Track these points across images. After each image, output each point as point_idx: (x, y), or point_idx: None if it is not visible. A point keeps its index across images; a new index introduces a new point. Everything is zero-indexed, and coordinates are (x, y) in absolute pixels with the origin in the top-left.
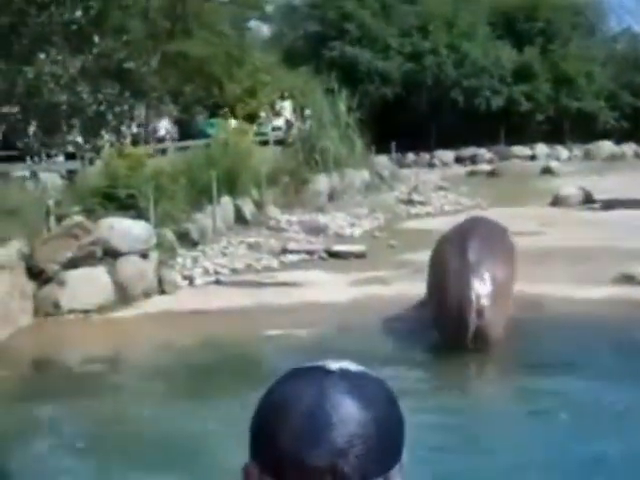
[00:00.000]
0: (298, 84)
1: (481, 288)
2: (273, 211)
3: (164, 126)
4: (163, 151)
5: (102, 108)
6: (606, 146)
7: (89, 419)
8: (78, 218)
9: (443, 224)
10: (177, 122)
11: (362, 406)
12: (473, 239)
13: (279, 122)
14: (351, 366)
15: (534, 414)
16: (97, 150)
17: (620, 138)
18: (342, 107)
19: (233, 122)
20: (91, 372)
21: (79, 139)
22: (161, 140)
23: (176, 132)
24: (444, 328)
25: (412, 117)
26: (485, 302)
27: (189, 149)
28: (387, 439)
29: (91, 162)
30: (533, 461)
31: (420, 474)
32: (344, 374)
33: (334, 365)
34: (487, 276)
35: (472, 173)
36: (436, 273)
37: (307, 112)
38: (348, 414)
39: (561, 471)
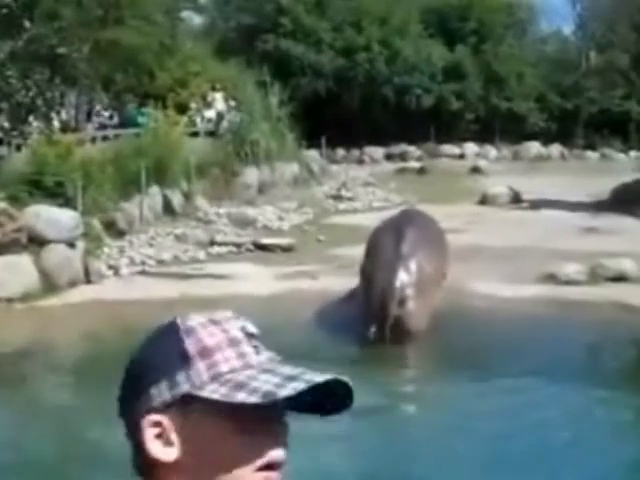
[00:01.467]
0: (230, 76)
1: (406, 278)
2: (202, 203)
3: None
4: (104, 138)
5: (31, 94)
6: (534, 147)
7: None
8: (2, 205)
9: (371, 220)
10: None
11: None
12: (408, 230)
13: (210, 114)
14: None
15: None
16: (25, 136)
17: (548, 139)
18: (274, 100)
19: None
20: (6, 361)
21: (6, 124)
22: (102, 127)
23: (116, 119)
24: (367, 319)
25: (343, 113)
26: (408, 292)
27: (118, 138)
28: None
29: (18, 148)
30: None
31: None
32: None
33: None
34: (415, 267)
35: (401, 170)
36: (367, 262)
37: (238, 104)
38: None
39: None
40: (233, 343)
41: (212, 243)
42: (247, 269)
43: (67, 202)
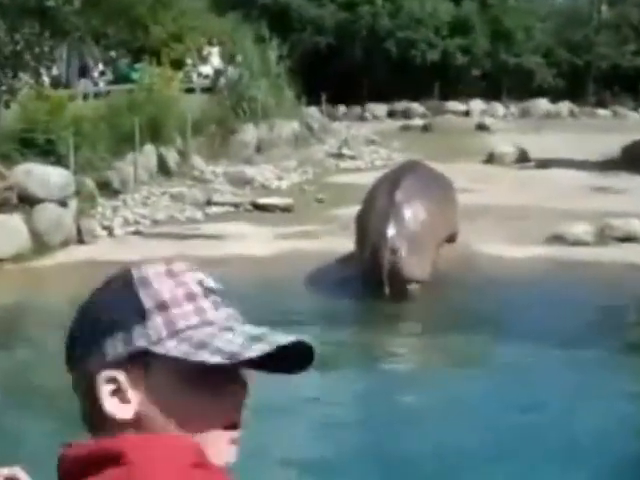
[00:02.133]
0: (227, 30)
1: (399, 226)
2: (198, 161)
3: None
4: (96, 94)
5: (19, 48)
6: (542, 104)
7: None
8: None
9: (373, 179)
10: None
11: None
12: (405, 179)
13: (207, 69)
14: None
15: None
16: (14, 92)
17: (556, 96)
18: (272, 56)
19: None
20: None
21: None
22: (95, 83)
23: (109, 75)
24: (364, 272)
25: (344, 68)
26: (400, 241)
27: (111, 94)
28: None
29: (7, 105)
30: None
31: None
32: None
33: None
34: (410, 216)
35: (405, 128)
36: (362, 212)
37: (236, 60)
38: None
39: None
40: (190, 297)
41: (209, 203)
42: (245, 229)
43: (59, 160)
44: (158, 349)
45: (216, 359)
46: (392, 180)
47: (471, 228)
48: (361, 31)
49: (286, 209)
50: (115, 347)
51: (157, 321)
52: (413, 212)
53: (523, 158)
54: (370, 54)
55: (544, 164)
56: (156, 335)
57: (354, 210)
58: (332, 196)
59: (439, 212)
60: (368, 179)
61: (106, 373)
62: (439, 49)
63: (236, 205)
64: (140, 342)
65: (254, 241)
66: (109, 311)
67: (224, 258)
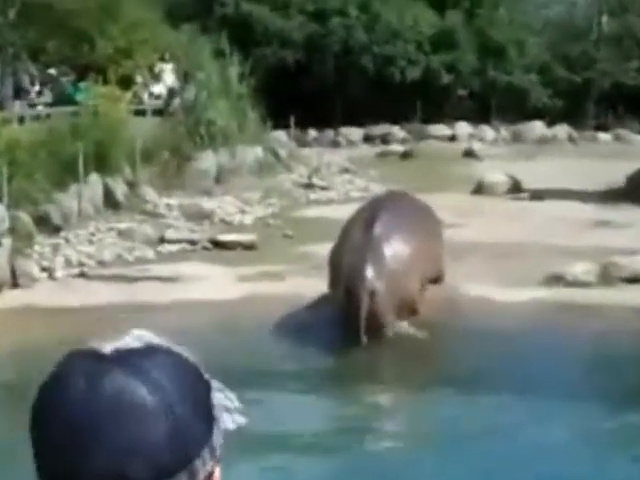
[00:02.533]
0: (182, 44)
1: (378, 266)
2: (149, 193)
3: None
4: (35, 117)
5: None
6: (537, 127)
7: None
8: None
9: (348, 212)
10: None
11: (145, 398)
12: (385, 211)
13: (159, 88)
14: (136, 342)
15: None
16: None
17: (553, 118)
18: (233, 73)
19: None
20: None
21: None
22: (32, 104)
23: (48, 96)
24: (338, 317)
25: (315, 88)
26: (380, 283)
27: (52, 117)
28: (183, 427)
29: None
30: None
31: None
32: (122, 357)
33: (109, 346)
34: (390, 253)
35: (383, 154)
36: (338, 247)
37: (192, 78)
38: (124, 415)
39: None
40: None
41: (162, 240)
42: (203, 270)
43: None
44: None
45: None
46: (370, 212)
47: (458, 267)
48: (333, 46)
49: (249, 247)
50: (204, 462)
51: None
52: (393, 249)
53: (516, 188)
54: (344, 71)
55: (539, 195)
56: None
57: (326, 247)
58: (301, 232)
59: (423, 248)
60: (342, 212)
61: None
62: (421, 66)
63: (193, 242)
64: (219, 448)
65: (213, 283)
66: (188, 421)
67: (179, 303)
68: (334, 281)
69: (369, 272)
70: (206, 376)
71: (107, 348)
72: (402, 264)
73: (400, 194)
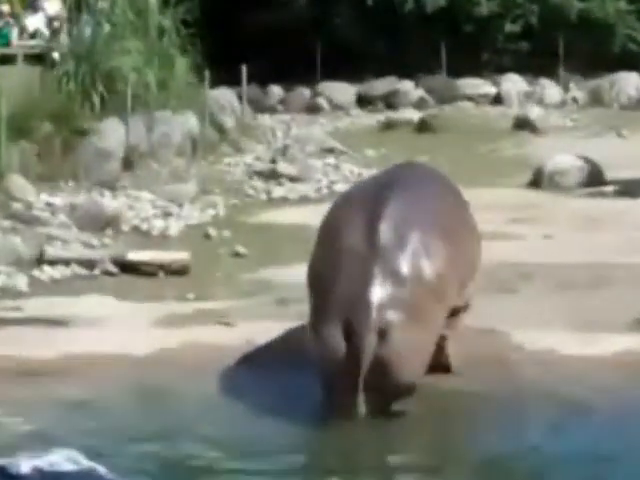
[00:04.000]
0: None
1: (390, 288)
2: (20, 186)
3: None
4: None
5: None
6: (630, 83)
7: None
8: None
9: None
10: None
11: None
12: (395, 198)
13: (35, 22)
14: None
15: None
16: None
17: None
18: None
19: None
20: None
21: None
22: None
23: None
24: (323, 372)
25: (282, 21)
26: (394, 315)
27: None
28: None
29: None
30: None
31: None
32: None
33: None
34: (409, 266)
35: (388, 125)
36: (322, 261)
37: (88, 4)
38: None
39: None
40: None
41: (40, 261)
42: (105, 308)
43: None
44: None
45: None
46: (372, 202)
47: (508, 303)
48: None
49: (178, 271)
50: None
51: None
52: (414, 260)
53: (596, 179)
54: None
55: (632, 189)
56: None
57: (297, 272)
58: (259, 247)
59: (457, 259)
60: (322, 216)
61: None
62: None
63: (89, 264)
64: None
65: (120, 329)
66: None
67: (66, 360)
68: (318, 314)
69: (377, 297)
70: None
71: (24, 467)
72: (428, 285)
73: (415, 167)
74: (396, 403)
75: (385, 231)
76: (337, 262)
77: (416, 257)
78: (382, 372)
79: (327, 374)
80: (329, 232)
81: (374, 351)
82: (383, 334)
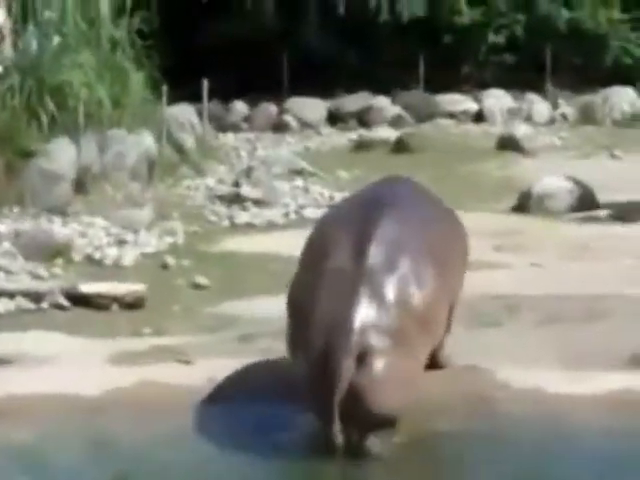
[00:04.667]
0: None
1: (373, 313)
2: None
3: None
4: None
5: None
6: (624, 98)
7: None
8: None
9: (300, 244)
10: None
11: None
12: (385, 217)
13: None
14: None
15: None
16: None
17: None
18: (103, 7)
19: None
20: None
21: None
22: None
23: None
24: (310, 398)
25: (246, 31)
26: (377, 339)
27: None
28: None
29: None
30: None
31: None
32: None
33: None
34: (394, 296)
35: (362, 145)
36: (302, 283)
37: (35, 13)
38: None
39: None
40: None
41: None
42: (54, 345)
43: None
44: None
45: None
46: (361, 220)
47: (491, 338)
48: None
49: (133, 304)
50: None
51: None
52: (400, 286)
53: (587, 202)
54: (293, 3)
55: (627, 214)
56: None
57: (263, 305)
58: (221, 278)
59: (450, 280)
60: (290, 244)
61: None
62: None
63: (38, 297)
64: None
65: (72, 366)
66: None
67: (11, 402)
68: (296, 335)
69: (359, 319)
70: None
71: None
72: (416, 310)
73: (401, 181)
74: (374, 438)
75: (374, 253)
76: (321, 283)
77: (404, 282)
78: (358, 400)
79: (310, 398)
80: (313, 251)
81: (351, 377)
82: (362, 359)
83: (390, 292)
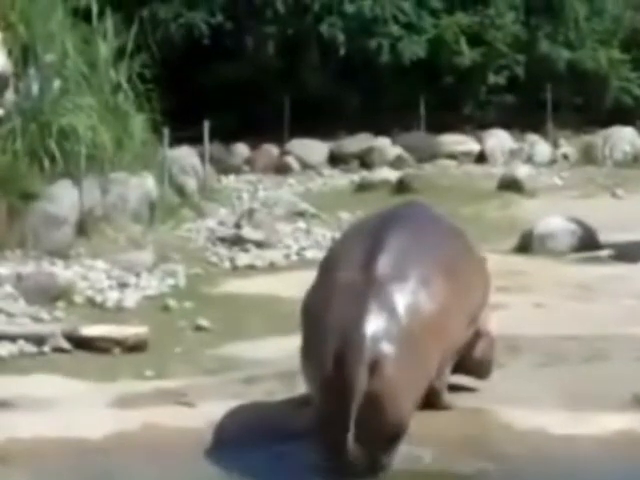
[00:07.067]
0: (23, 5)
1: (385, 321)
2: None
3: None
4: None
5: None
6: (624, 138)
7: None
8: None
9: (302, 286)
10: None
11: None
12: (394, 238)
13: None
14: None
15: None
16: None
17: None
18: (106, 49)
19: None
20: None
21: None
22: None
23: None
24: (318, 416)
25: (246, 74)
26: (388, 347)
27: None
28: None
29: None
30: None
31: None
32: None
33: None
34: (405, 305)
35: (363, 187)
36: (316, 292)
37: (37, 57)
38: None
39: None
40: None
41: None
42: (55, 388)
43: None
44: None
45: None
46: (373, 234)
47: (493, 379)
48: (275, 3)
49: (135, 347)
50: None
51: None
52: (412, 296)
53: (588, 243)
54: (294, 47)
55: (627, 254)
56: None
57: (265, 347)
58: (224, 320)
59: (458, 293)
60: (293, 285)
61: None
62: (426, 36)
63: (39, 340)
64: None
65: (74, 410)
66: None
67: (12, 446)
68: (309, 345)
69: (370, 329)
70: None
71: None
72: (427, 319)
73: (420, 204)
74: (384, 447)
75: (384, 264)
76: (332, 293)
77: (415, 292)
78: (372, 409)
79: (319, 410)
80: (328, 262)
81: (365, 386)
82: (375, 368)
83: (400, 301)
